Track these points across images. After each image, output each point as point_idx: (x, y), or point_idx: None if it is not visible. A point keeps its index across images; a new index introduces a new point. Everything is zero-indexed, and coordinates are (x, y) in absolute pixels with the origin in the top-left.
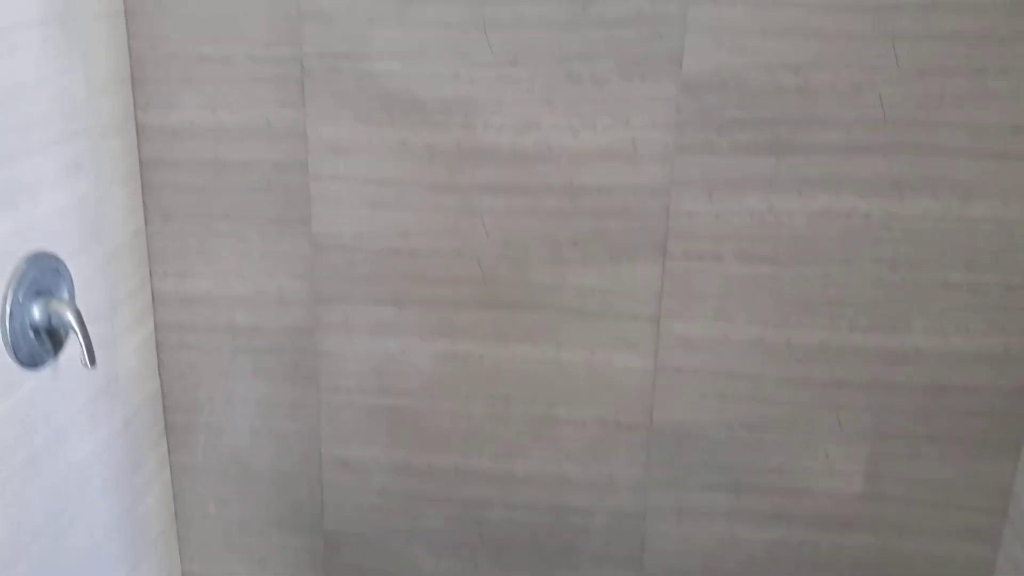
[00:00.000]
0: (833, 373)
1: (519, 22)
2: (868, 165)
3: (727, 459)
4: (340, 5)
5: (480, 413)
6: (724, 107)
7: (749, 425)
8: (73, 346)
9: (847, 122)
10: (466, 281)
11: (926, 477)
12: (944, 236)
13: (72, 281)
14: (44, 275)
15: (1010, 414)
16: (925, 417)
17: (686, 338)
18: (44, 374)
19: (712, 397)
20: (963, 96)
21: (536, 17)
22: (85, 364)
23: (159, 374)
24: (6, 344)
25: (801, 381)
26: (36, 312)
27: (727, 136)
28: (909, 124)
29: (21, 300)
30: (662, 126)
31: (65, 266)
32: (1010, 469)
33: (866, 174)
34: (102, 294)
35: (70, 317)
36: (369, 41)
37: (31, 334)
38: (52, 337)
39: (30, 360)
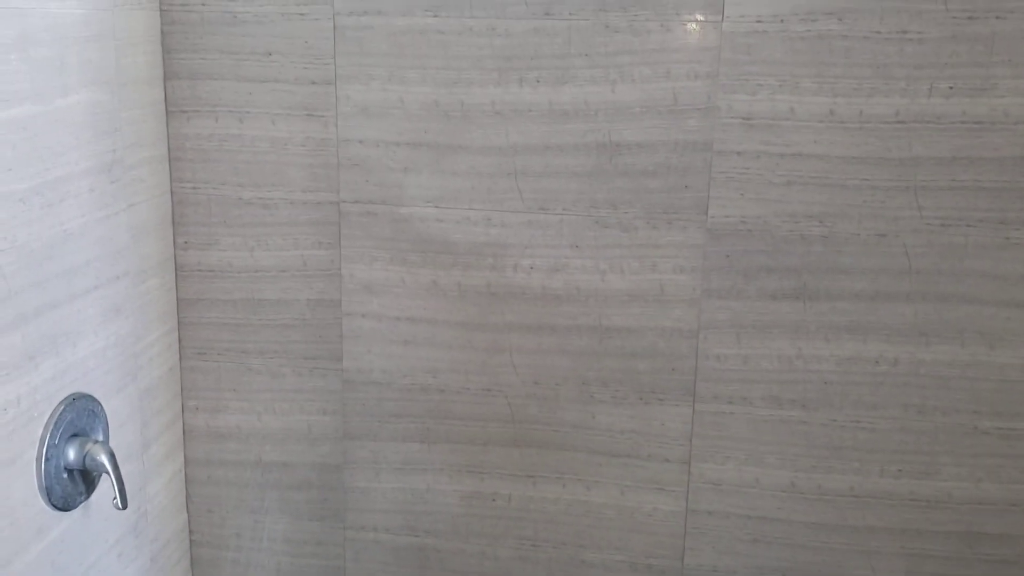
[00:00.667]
0: (865, 518)
1: (548, 171)
2: (895, 312)
3: None
4: (377, 155)
5: (507, 555)
6: (750, 254)
7: (781, 570)
8: (104, 485)
9: (872, 270)
10: (495, 419)
11: None
12: (973, 383)
13: (107, 421)
14: (80, 417)
15: None
16: (958, 564)
17: (717, 481)
18: (75, 515)
19: (744, 541)
20: (986, 246)
21: (565, 167)
22: (117, 506)
23: (187, 509)
24: (40, 488)
25: (833, 526)
26: (71, 454)
27: (754, 282)
28: (934, 273)
29: (57, 443)
30: (689, 271)
31: (101, 407)
32: None
33: (893, 321)
34: (136, 432)
35: (104, 460)
36: (404, 187)
37: (65, 476)
38: (85, 478)
39: (63, 503)
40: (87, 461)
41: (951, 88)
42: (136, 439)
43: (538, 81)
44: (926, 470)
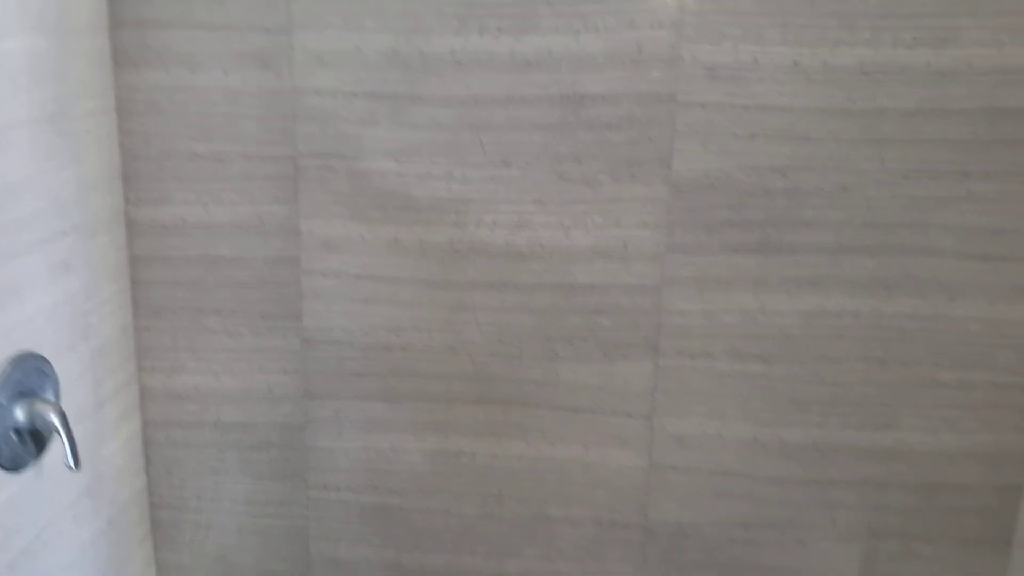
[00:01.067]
0: (826, 471)
1: (511, 124)
2: (856, 265)
3: (722, 557)
4: (334, 107)
5: (472, 511)
6: (713, 208)
7: (743, 524)
8: (57, 446)
9: (835, 223)
10: (459, 377)
11: (919, 575)
12: (933, 335)
13: (57, 380)
14: (29, 376)
15: (1001, 511)
16: (918, 514)
17: (679, 436)
18: (26, 476)
19: (706, 495)
20: (948, 199)
21: (527, 120)
22: (70, 467)
23: (146, 471)
24: None
25: (794, 479)
26: (20, 414)
27: (717, 236)
28: (896, 225)
29: (5, 402)
30: (653, 226)
31: (51, 365)
32: (1002, 566)
33: (855, 274)
34: (88, 392)
35: (55, 419)
36: (363, 141)
37: (14, 437)
38: (36, 439)
39: (12, 464)
40: (36, 421)
41: (915, 39)
42: (88, 399)
43: (500, 30)
44: (887, 422)
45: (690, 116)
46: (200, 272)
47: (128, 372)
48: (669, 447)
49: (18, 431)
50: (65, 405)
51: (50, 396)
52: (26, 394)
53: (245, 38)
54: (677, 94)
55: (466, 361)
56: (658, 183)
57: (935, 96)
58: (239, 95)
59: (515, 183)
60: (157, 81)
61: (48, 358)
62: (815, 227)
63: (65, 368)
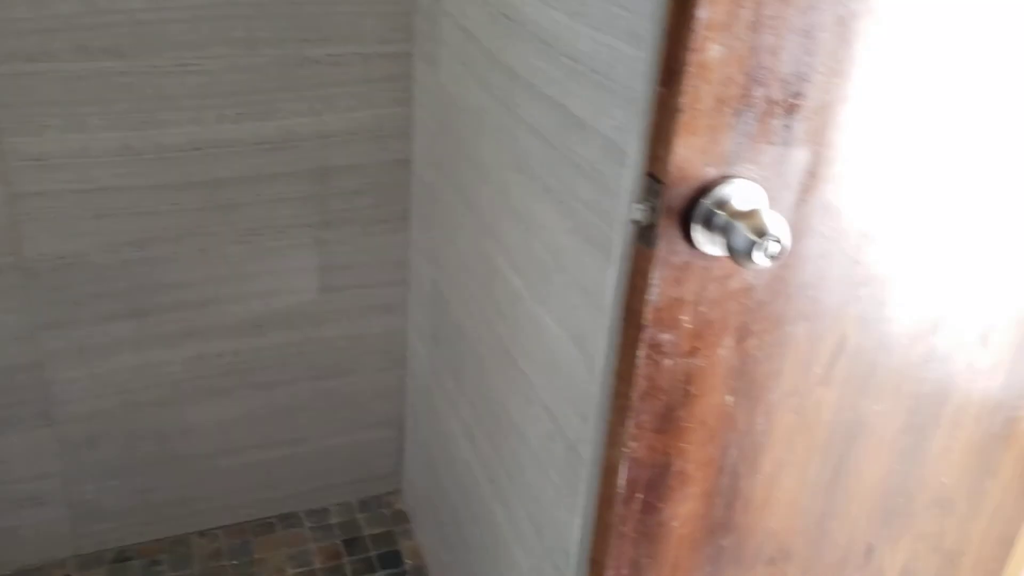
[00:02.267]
0: (212, 171)
1: None
2: None
3: (121, 285)
4: None
5: None
6: None
7: (137, 243)
8: None
9: None
10: None
11: (330, 263)
12: (294, 8)
13: None
14: None
15: (394, 187)
16: (316, 203)
17: (38, 156)
18: None
19: (86, 219)
20: None
21: None
22: None
23: None
24: None
25: (180, 185)
26: None
27: None
28: None
29: None
30: None
31: None
32: (404, 240)
33: None
34: None
35: None
36: None
37: None
38: None
39: None
40: None
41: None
42: None
43: None
44: (266, 110)
45: None
46: None
47: None
48: (29, 171)
49: None
50: None
51: None
52: None
53: None
54: None
55: None
56: None
57: None
58: None
59: None
60: None
61: None
62: None
63: None
